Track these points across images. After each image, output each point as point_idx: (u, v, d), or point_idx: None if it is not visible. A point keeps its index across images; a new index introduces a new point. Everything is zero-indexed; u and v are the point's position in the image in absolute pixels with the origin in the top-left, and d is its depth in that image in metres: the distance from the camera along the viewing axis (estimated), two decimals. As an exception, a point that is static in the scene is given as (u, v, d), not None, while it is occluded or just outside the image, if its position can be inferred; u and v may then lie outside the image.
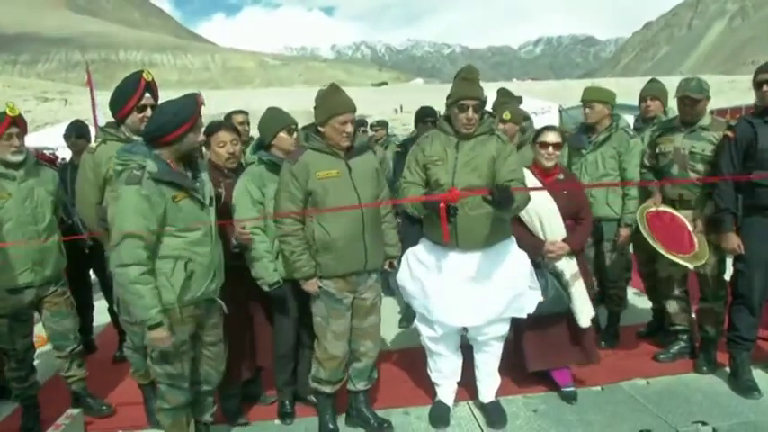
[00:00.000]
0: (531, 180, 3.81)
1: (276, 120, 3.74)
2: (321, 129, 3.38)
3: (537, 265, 3.74)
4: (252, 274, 3.51)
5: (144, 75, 3.33)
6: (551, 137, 3.88)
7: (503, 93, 4.81)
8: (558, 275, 3.77)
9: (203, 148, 3.53)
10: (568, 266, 3.80)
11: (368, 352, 3.60)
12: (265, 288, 3.48)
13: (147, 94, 3.35)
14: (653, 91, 4.95)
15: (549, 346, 3.89)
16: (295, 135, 3.69)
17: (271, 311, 3.77)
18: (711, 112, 4.76)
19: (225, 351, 3.33)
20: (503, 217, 3.43)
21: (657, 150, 4.30)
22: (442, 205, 3.09)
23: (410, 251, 3.70)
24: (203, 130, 3.16)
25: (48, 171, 3.84)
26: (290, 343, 3.74)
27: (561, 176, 3.96)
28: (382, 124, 8.78)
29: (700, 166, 4.08)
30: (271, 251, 3.52)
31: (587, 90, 4.73)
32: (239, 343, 3.69)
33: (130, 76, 3.38)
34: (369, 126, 8.72)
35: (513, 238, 3.66)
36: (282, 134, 3.67)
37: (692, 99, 4.08)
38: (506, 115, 4.22)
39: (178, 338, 2.95)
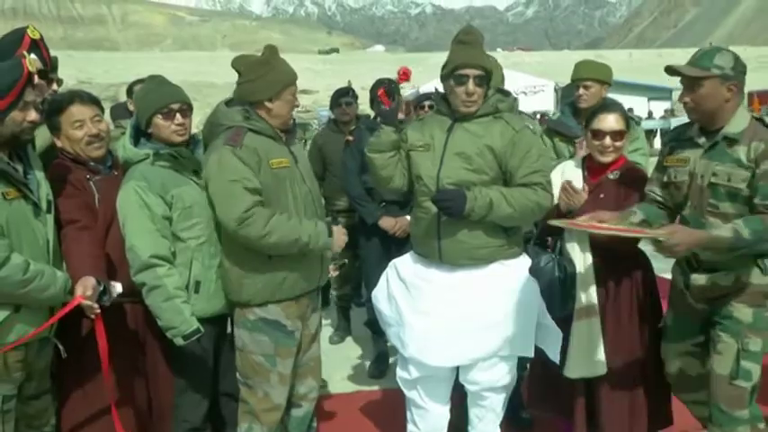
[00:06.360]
0: (575, 176, 3.35)
1: (149, 98, 3.07)
2: (269, 105, 3.00)
3: (544, 245, 3.30)
4: (159, 323, 2.89)
5: (29, 31, 3.04)
6: (610, 121, 3.16)
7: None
8: (569, 274, 3.16)
9: (51, 136, 3.03)
10: (586, 282, 3.18)
11: (309, 393, 3.20)
12: (179, 341, 2.85)
13: (33, 56, 2.94)
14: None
15: (556, 385, 3.30)
16: (179, 119, 3.02)
17: (178, 362, 3.09)
18: (750, 95, 4.45)
19: (53, 404, 2.87)
20: (503, 224, 3.01)
21: (666, 179, 3.04)
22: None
23: (394, 262, 3.32)
24: (41, 106, 2.77)
25: None
26: (203, 410, 3.12)
27: (612, 175, 3.26)
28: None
29: (726, 206, 2.78)
30: (182, 287, 2.90)
31: (581, 66, 4.28)
32: (127, 417, 2.98)
33: (9, 34, 3.08)
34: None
35: (523, 258, 3.14)
36: (158, 119, 3.00)
37: (686, 77, 2.85)
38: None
39: (2, 393, 2.59)
